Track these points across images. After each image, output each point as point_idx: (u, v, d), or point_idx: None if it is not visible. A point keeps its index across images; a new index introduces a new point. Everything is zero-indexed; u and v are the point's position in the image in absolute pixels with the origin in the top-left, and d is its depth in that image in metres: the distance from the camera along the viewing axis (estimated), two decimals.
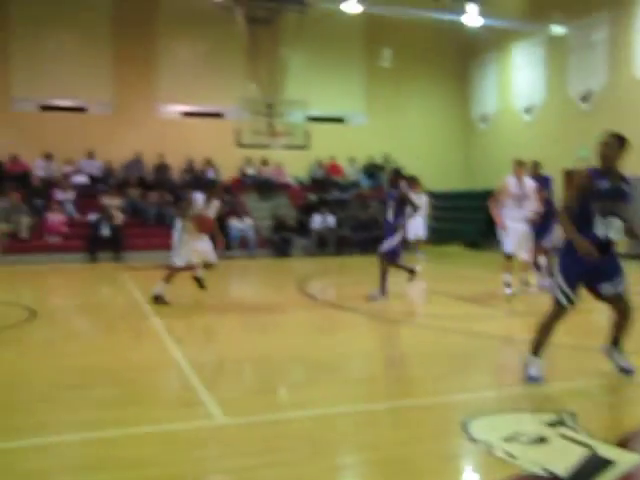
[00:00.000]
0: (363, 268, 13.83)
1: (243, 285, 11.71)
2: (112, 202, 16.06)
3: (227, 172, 18.57)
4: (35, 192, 16.29)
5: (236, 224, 16.28)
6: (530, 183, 9.10)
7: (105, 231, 15.35)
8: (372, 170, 20.19)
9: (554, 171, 17.91)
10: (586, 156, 16.39)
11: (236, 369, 5.52)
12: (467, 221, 19.11)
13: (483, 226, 18.16)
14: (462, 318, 7.71)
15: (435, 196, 20.97)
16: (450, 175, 21.25)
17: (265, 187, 18.68)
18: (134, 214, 16.55)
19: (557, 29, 17.31)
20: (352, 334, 7.16)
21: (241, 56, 19.01)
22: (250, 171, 18.98)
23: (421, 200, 14.27)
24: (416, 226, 13.67)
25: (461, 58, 21.60)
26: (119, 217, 15.81)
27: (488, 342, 6.45)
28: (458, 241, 19.79)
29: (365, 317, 8.02)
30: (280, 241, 16.64)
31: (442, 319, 7.63)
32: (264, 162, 19.27)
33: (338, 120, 20.60)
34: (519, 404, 4.54)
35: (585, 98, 16.63)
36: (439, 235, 20.47)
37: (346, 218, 17.72)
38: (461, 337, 6.62)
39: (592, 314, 7.28)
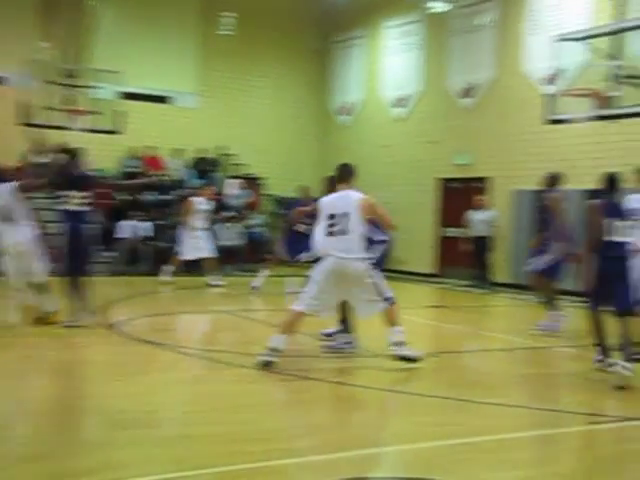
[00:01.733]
0: (187, 291, 13.51)
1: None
2: None
3: (6, 159, 17.46)
4: None
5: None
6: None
7: None
8: (203, 166, 19.91)
9: (428, 178, 18.75)
10: (466, 164, 17.26)
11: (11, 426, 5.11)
12: None
13: None
14: (312, 360, 7.66)
15: (282, 203, 21.15)
16: (302, 177, 21.43)
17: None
18: None
19: (438, 5, 18.10)
20: (165, 377, 6.98)
21: (31, 4, 18.08)
22: (41, 159, 17.98)
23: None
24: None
25: (322, 33, 22.01)
26: None
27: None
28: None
29: (186, 355, 7.85)
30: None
31: (287, 360, 7.53)
32: (60, 148, 18.33)
33: (161, 100, 20.14)
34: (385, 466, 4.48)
35: (467, 92, 17.50)
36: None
37: (167, 226, 17.29)
38: (314, 383, 6.57)
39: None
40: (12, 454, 4.63)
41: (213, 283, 14.25)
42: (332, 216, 7.20)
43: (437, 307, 13.72)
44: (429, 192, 18.18)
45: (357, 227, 7.13)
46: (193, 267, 14.79)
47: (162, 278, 13.97)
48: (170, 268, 14.18)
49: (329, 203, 7.36)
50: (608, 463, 4.87)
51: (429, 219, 18.18)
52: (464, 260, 16.33)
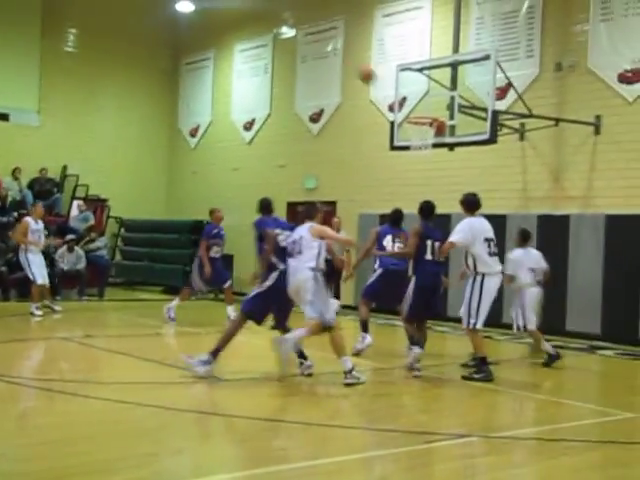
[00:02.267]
0: (23, 318, 12.91)
1: None
2: None
3: None
4: None
5: None
6: None
7: None
8: (44, 187, 19.16)
9: (277, 202, 18.78)
10: (313, 187, 17.52)
11: None
12: (168, 260, 19.04)
13: (188, 267, 18.25)
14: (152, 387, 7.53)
15: (126, 226, 20.69)
16: (148, 200, 21.06)
17: None
18: None
19: (285, 30, 18.34)
20: None
21: None
22: None
23: None
24: None
25: (172, 55, 21.80)
26: None
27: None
28: (155, 285, 19.61)
29: (18, 386, 7.44)
30: None
31: (129, 388, 7.34)
32: None
33: None
34: None
35: (315, 117, 17.76)
36: (129, 276, 20.15)
37: (6, 249, 16.46)
38: (152, 410, 6.41)
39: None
40: None
41: (36, 312, 12.99)
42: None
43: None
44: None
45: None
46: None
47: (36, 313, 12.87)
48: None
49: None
50: (445, 478, 5.01)
51: None
52: None
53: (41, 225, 13.34)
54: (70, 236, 16.72)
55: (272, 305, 8.16)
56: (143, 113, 21.50)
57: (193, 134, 21.42)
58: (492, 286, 8.54)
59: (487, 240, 8.63)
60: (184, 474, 4.94)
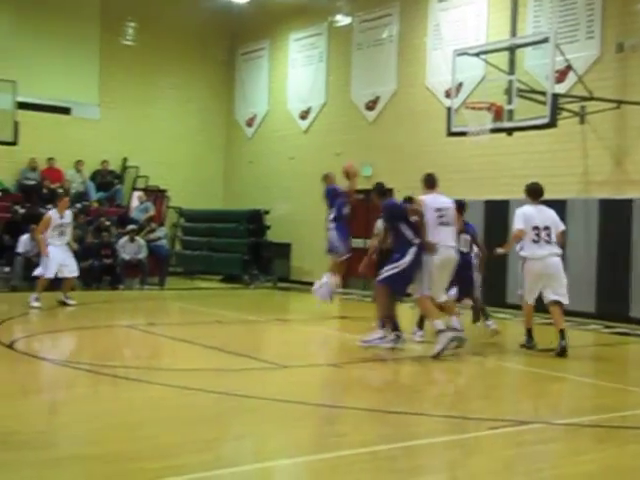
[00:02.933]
0: (90, 306, 13.18)
1: None
2: None
3: None
4: None
5: None
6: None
7: None
8: (105, 179, 19.51)
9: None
10: (369, 174, 17.45)
11: None
12: (227, 249, 19.22)
13: (246, 256, 18.42)
14: (217, 373, 7.63)
15: (186, 216, 20.94)
16: (207, 190, 21.29)
17: None
18: None
19: (340, 18, 18.28)
20: (65, 396, 6.82)
21: None
22: None
23: None
24: None
25: (228, 44, 21.92)
26: None
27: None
28: (214, 274, 19.83)
29: (86, 372, 7.63)
30: None
31: (193, 374, 7.45)
32: None
33: (61, 110, 19.63)
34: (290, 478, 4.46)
35: (370, 105, 17.71)
36: (189, 266, 20.40)
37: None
38: (218, 397, 6.50)
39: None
40: None
41: (69, 302, 12.88)
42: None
43: (340, 318, 13.76)
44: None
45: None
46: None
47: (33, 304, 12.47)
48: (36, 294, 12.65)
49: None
50: (507, 465, 4.97)
51: None
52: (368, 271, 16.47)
53: (67, 219, 13.00)
54: (131, 226, 17.00)
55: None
56: (201, 104, 21.69)
57: (250, 124, 21.54)
58: (533, 269, 9.10)
59: (535, 228, 9.04)
60: (246, 459, 5.00)
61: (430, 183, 9.27)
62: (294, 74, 20.10)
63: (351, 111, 18.21)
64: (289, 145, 19.83)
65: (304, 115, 19.62)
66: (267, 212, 19.04)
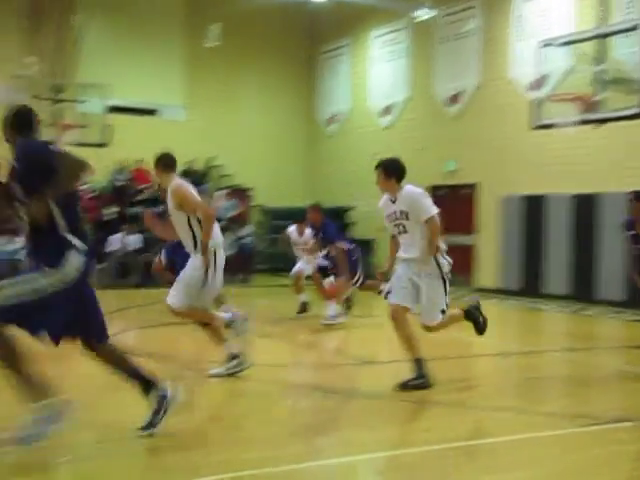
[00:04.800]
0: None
1: None
2: None
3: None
4: None
5: (4, 245, 15.34)
6: None
7: None
8: (191, 177, 19.85)
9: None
10: (453, 169, 17.31)
11: None
12: None
13: None
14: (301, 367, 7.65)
15: (271, 214, 21.15)
16: (290, 188, 21.46)
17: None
18: None
19: (423, 13, 18.16)
20: None
21: (17, 20, 18.07)
22: None
23: None
24: None
25: (308, 43, 22.06)
26: None
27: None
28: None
29: (178, 367, 7.78)
30: None
31: (274, 369, 7.53)
32: None
33: (149, 112, 20.13)
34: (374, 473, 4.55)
35: (453, 99, 17.54)
36: (274, 263, 20.58)
37: (155, 239, 17.23)
38: (301, 390, 6.56)
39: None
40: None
41: None
42: None
43: None
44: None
45: None
46: None
47: None
48: None
49: None
50: (597, 464, 4.87)
51: None
52: (455, 267, 16.36)
53: None
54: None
55: None
56: (282, 103, 21.89)
57: (331, 122, 21.61)
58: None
59: None
60: (333, 452, 5.05)
61: None
62: (375, 71, 20.08)
63: (433, 106, 18.08)
64: (371, 142, 19.80)
65: (386, 111, 19.58)
66: (350, 209, 19.07)
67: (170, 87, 20.47)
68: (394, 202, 6.83)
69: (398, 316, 6.72)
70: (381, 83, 19.80)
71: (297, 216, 19.98)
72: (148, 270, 16.47)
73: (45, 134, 16.96)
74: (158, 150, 16.62)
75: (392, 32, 19.43)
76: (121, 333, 9.89)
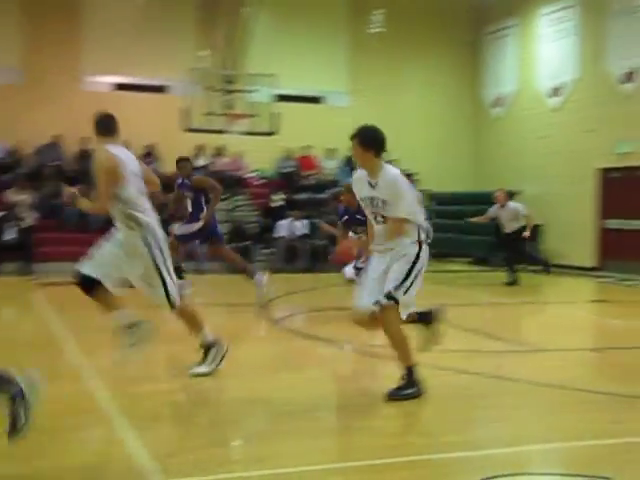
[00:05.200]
0: (343, 288, 13.66)
1: None
2: (20, 198, 15.82)
3: (170, 163, 18.26)
4: None
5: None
6: None
7: (10, 235, 15.13)
8: (355, 165, 20.08)
9: (587, 169, 18.08)
10: (628, 152, 16.51)
11: (177, 415, 5.37)
12: (476, 232, 19.08)
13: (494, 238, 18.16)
14: (470, 355, 7.63)
15: (436, 199, 21.02)
16: (455, 173, 21.25)
17: (220, 184, 18.41)
18: (49, 214, 16.27)
19: None
20: (327, 372, 7.14)
21: (193, 15, 18.88)
22: (200, 162, 18.74)
23: None
24: None
25: (473, 26, 21.67)
26: (29, 217, 15.58)
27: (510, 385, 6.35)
28: (464, 256, 19.76)
29: (346, 350, 7.92)
30: (237, 252, 16.42)
31: (446, 355, 7.49)
32: (218, 151, 19.06)
33: (314, 100, 20.50)
34: (549, 463, 4.52)
35: (628, 77, 16.71)
36: (439, 248, 20.45)
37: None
38: (472, 378, 6.52)
39: None
40: (192, 441, 4.87)
41: None
42: None
43: (599, 301, 13.20)
44: (587, 183, 17.48)
45: None
46: None
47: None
48: None
49: None
50: None
51: (588, 210, 17.47)
52: (630, 253, 15.69)
53: None
54: None
55: None
56: (447, 86, 21.65)
57: (496, 104, 21.16)
58: None
59: None
60: (501, 442, 4.94)
61: None
62: (543, 50, 19.44)
63: (605, 85, 17.28)
64: (539, 123, 19.23)
65: (555, 92, 18.93)
66: (518, 193, 18.62)
67: (335, 74, 20.73)
68: (374, 187, 5.73)
69: (377, 318, 5.73)
70: (549, 63, 19.15)
71: (464, 200, 19.88)
72: (314, 255, 16.85)
73: (217, 124, 17.72)
74: (324, 137, 17.12)
75: (561, 10, 18.71)
76: (289, 317, 10.22)
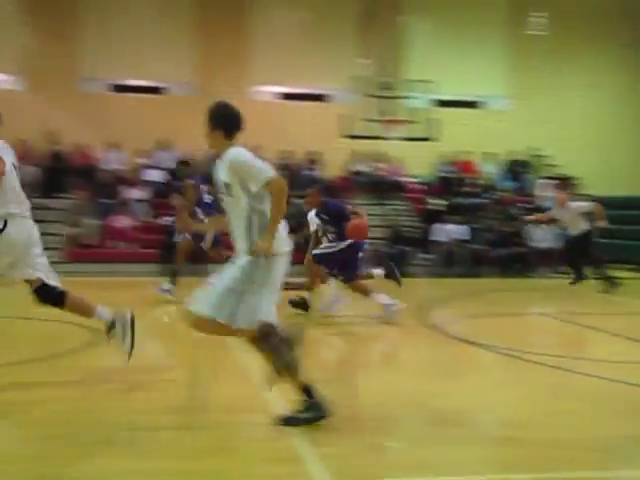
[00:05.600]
0: (503, 294, 13.51)
1: (348, 312, 11.61)
2: None
3: (331, 169, 18.68)
4: (102, 189, 17.02)
5: None
6: None
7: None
8: (515, 168, 19.74)
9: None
10: None
11: (339, 417, 5.47)
12: (637, 237, 18.28)
13: None
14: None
15: (600, 203, 20.22)
16: (621, 176, 20.41)
17: (379, 189, 18.67)
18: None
19: None
20: (487, 379, 7.05)
21: (352, 26, 19.22)
22: (360, 168, 19.01)
23: None
24: None
25: (633, 25, 20.79)
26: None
27: None
28: (626, 263, 18.91)
29: (505, 357, 7.84)
30: (396, 256, 16.52)
31: (615, 365, 7.30)
32: (378, 157, 19.26)
33: (472, 105, 20.34)
34: None
35: None
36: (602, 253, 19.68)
37: (481, 229, 17.40)
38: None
39: None
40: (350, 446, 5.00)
41: None
42: None
43: None
44: None
45: None
46: None
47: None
48: None
49: None
50: None
51: None
52: None
53: None
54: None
55: None
56: (610, 89, 20.93)
57: None
58: None
59: None
60: None
61: None
62: None
63: None
64: None
65: None
66: None
67: (493, 78, 20.50)
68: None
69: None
70: None
71: (626, 205, 19.03)
72: (473, 260, 16.71)
73: (375, 130, 18.00)
74: (483, 141, 17.00)
75: None
76: (446, 322, 10.18)
